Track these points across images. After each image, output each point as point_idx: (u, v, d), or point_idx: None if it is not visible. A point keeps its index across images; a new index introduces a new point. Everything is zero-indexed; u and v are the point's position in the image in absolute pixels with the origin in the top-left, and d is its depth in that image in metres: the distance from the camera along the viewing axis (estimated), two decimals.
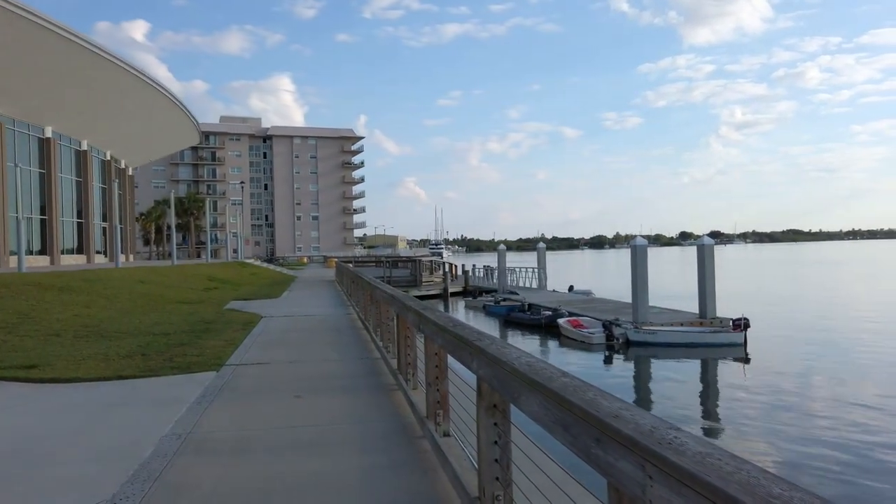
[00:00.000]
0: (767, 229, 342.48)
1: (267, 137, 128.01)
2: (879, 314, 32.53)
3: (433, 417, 5.40)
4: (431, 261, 69.56)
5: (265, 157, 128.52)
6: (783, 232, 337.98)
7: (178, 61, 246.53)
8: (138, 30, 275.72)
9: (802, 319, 31.13)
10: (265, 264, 66.33)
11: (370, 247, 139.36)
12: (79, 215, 42.87)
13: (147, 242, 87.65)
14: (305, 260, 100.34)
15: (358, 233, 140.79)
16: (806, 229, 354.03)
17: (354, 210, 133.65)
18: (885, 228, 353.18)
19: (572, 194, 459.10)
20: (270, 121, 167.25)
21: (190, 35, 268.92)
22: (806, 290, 49.07)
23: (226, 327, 14.92)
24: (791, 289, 51.14)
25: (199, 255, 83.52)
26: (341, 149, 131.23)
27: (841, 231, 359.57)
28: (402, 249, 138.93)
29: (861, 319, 30.77)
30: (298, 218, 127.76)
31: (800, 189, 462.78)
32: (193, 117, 52.25)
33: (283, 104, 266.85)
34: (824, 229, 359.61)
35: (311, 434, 6.06)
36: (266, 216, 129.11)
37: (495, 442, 3.57)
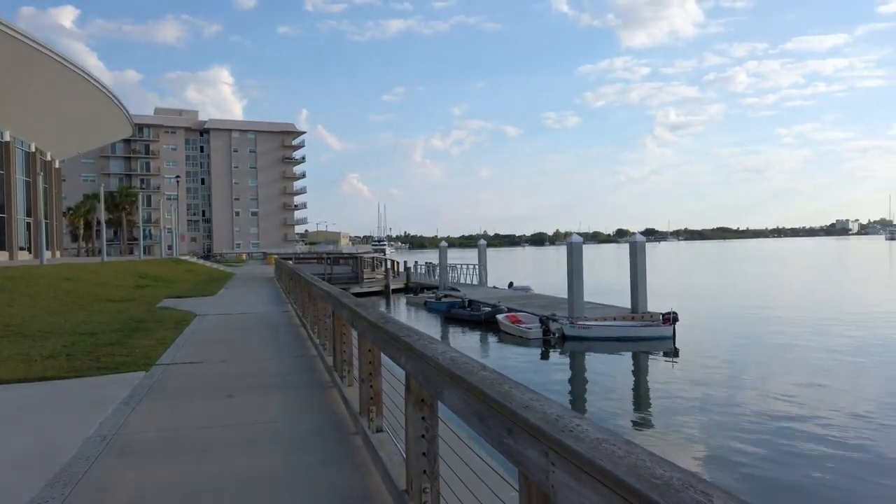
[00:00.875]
0: (699, 227, 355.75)
1: (204, 131, 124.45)
2: (801, 307, 34.28)
3: (366, 413, 5.44)
4: (374, 258, 69.25)
5: (202, 150, 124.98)
6: (713, 230, 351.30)
7: (109, 50, 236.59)
8: (66, 16, 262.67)
9: (728, 313, 32.51)
10: (202, 261, 64.60)
11: (312, 243, 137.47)
12: (0, 210, 40.71)
13: (76, 238, 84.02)
14: (244, 256, 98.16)
15: (299, 229, 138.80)
16: (734, 227, 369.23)
17: (295, 206, 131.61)
18: (807, 226, 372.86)
19: (514, 192, 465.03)
20: (208, 113, 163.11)
21: (122, 23, 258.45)
22: (732, 285, 51.22)
23: (157, 326, 14.50)
24: (718, 284, 53.28)
25: (131, 252, 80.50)
26: (282, 143, 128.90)
27: (766, 229, 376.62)
28: (345, 246, 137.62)
29: (784, 312, 32.34)
30: (237, 214, 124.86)
31: (729, 189, 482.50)
32: (125, 109, 50.33)
33: (221, 97, 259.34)
34: (751, 227, 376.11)
35: (242, 433, 6.00)
36: (203, 212, 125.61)
37: (423, 436, 3.64)
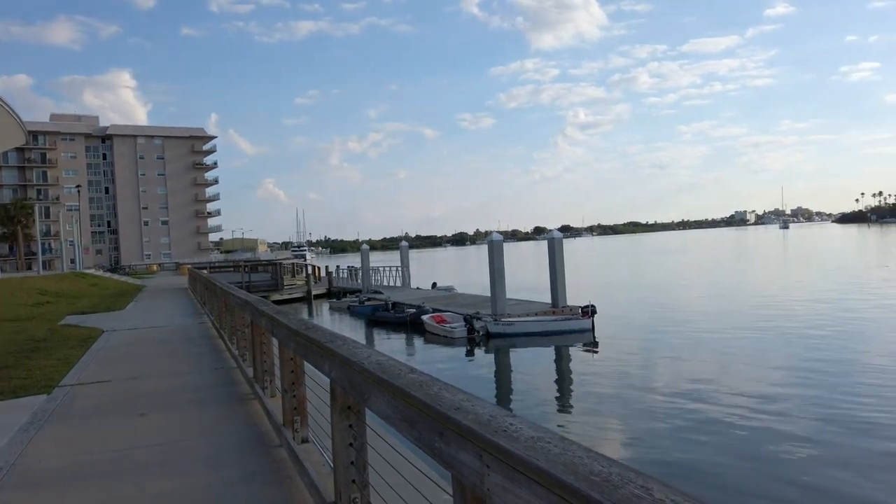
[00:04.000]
0: (611, 222, 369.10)
1: (107, 137, 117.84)
2: (708, 295, 36.10)
3: (291, 425, 5.24)
4: (294, 264, 67.76)
5: (105, 158, 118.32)
6: (624, 224, 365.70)
7: None
8: None
9: (642, 303, 33.81)
10: (108, 274, 61.29)
11: (228, 251, 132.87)
12: None
13: None
14: (155, 268, 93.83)
15: (214, 237, 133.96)
16: (643, 221, 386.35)
17: (209, 213, 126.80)
18: (709, 218, 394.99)
19: (434, 193, 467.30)
20: (109, 119, 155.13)
21: (9, 24, 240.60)
22: (644, 277, 53.39)
23: (60, 345, 13.57)
24: (631, 276, 55.42)
25: (29, 268, 75.23)
26: (192, 149, 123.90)
27: (673, 222, 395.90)
28: (263, 253, 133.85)
29: (693, 301, 33.96)
30: (146, 223, 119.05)
31: (637, 184, 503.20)
32: (17, 115, 46.94)
33: (123, 101, 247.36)
34: (659, 221, 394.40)
35: (156, 453, 5.64)
36: (108, 222, 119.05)
37: (351, 444, 3.52)
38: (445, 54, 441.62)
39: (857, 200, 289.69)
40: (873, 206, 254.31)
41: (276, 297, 43.44)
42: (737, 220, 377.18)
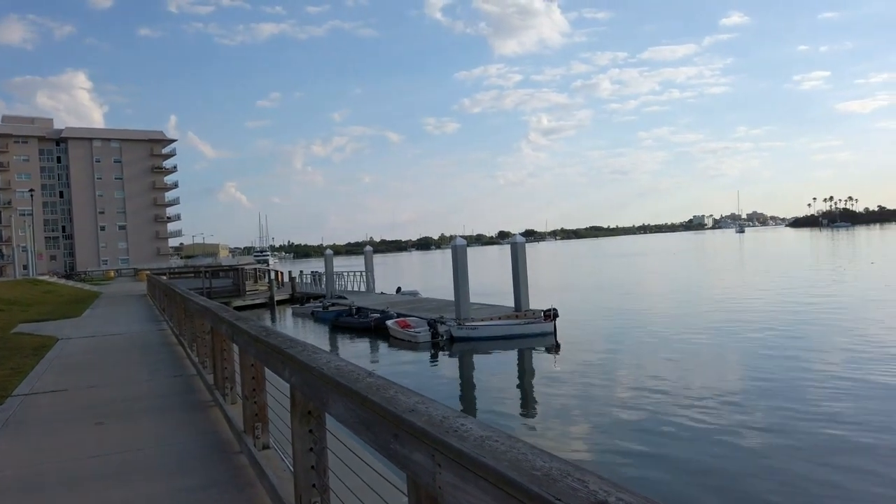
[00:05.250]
0: (574, 227, 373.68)
1: (62, 140, 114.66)
2: (667, 297, 36.86)
3: (251, 431, 5.24)
4: (256, 269, 66.93)
5: (60, 161, 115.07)
6: (587, 228, 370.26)
7: None
8: None
9: (604, 306, 34.36)
10: (63, 280, 59.60)
11: (188, 257, 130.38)
12: None
13: None
14: (112, 274, 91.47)
15: (174, 242, 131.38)
16: (605, 225, 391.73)
17: (168, 218, 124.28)
18: (669, 223, 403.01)
19: (399, 197, 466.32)
20: (64, 121, 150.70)
21: None
22: (606, 281, 54.23)
23: (12, 354, 13.19)
24: (593, 280, 56.22)
25: None
26: (151, 152, 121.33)
27: (634, 226, 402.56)
28: (225, 258, 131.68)
29: (653, 303, 34.63)
30: (102, 228, 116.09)
31: (599, 189, 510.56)
32: None
33: (78, 103, 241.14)
34: (620, 225, 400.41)
35: (114, 462, 5.58)
36: (63, 227, 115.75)
37: (311, 449, 3.56)
38: (410, 59, 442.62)
39: (809, 205, 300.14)
40: (825, 210, 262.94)
41: (238, 303, 42.86)
42: (695, 225, 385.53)
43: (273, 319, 40.17)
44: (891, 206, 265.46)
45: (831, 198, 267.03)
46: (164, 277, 33.39)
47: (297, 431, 3.59)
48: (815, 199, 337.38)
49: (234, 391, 6.59)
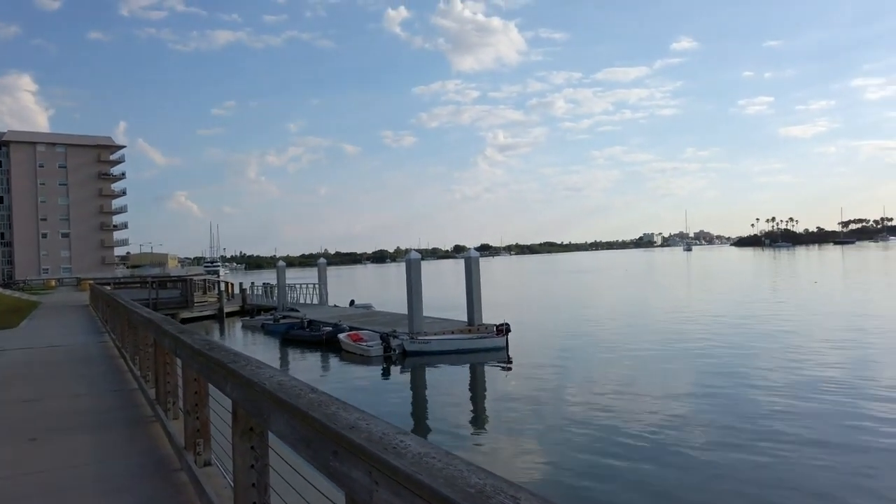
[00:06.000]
0: (528, 242, 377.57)
1: (3, 143, 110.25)
2: (617, 312, 37.54)
3: (192, 448, 5.12)
4: (206, 280, 65.38)
5: (0, 166, 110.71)
6: (541, 244, 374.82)
7: None
8: None
9: (555, 321, 34.79)
10: (0, 289, 57.11)
11: (135, 266, 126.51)
12: None
13: None
14: (54, 283, 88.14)
15: (120, 251, 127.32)
16: (559, 241, 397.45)
17: (115, 226, 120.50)
18: (619, 240, 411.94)
19: (355, 209, 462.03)
20: (6, 124, 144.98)
21: None
22: (557, 296, 54.97)
23: None
24: (545, 295, 56.92)
25: None
26: (98, 158, 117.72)
27: (586, 242, 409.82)
28: (173, 269, 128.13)
29: (603, 319, 35.20)
30: (44, 235, 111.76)
31: (553, 206, 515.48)
32: None
33: (22, 106, 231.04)
34: (573, 241, 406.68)
35: (47, 481, 5.35)
36: (2, 234, 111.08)
37: (252, 466, 3.50)
38: (368, 71, 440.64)
39: (752, 225, 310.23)
40: (767, 230, 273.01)
41: (186, 314, 41.79)
42: (645, 242, 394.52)
43: (222, 332, 39.27)
44: (829, 227, 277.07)
45: (773, 218, 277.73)
46: (108, 287, 32.31)
47: (238, 448, 3.53)
48: (757, 219, 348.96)
49: (177, 406, 6.43)
